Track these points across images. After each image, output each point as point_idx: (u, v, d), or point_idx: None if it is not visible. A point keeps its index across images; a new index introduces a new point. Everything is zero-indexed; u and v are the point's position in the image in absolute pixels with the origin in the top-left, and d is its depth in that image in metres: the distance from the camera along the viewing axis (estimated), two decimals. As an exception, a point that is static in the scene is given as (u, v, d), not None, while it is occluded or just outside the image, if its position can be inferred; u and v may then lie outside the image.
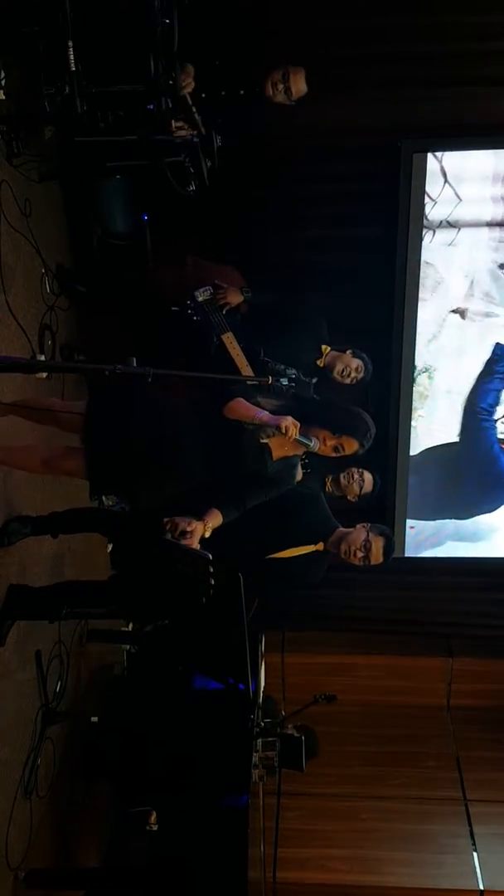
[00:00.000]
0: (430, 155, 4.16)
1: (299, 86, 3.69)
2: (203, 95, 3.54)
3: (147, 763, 3.75)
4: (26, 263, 3.61)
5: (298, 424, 2.84)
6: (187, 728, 3.71)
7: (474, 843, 4.71)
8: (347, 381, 3.97)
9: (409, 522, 5.06)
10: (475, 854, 4.65)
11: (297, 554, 3.33)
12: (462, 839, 4.74)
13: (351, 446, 3.02)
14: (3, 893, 3.22)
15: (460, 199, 4.21)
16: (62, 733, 3.88)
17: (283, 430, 2.80)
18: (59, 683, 3.86)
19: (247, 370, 3.78)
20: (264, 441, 2.93)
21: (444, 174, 4.17)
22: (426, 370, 4.67)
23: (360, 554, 3.30)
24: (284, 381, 2.96)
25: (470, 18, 3.89)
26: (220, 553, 2.84)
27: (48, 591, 3.45)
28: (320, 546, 3.37)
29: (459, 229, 4.28)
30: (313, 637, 5.42)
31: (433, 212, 4.24)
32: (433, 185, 4.18)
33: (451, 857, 4.63)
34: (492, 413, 4.72)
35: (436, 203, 4.21)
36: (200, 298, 3.81)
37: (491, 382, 4.65)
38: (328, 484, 3.88)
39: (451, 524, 5.07)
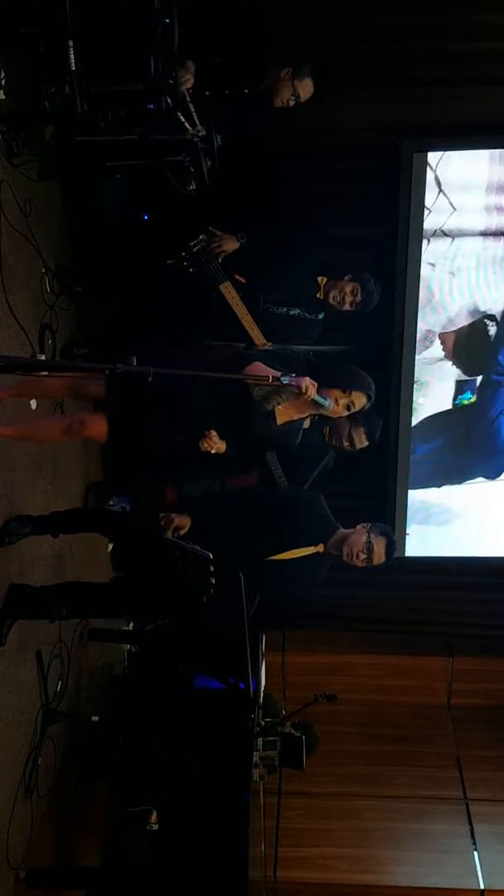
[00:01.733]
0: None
1: (307, 91, 3.72)
2: (206, 93, 3.55)
3: (148, 762, 3.76)
4: (26, 263, 3.61)
5: (316, 385, 2.98)
6: (188, 727, 3.71)
7: (475, 843, 4.70)
8: (346, 306, 3.91)
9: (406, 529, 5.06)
10: (475, 853, 4.65)
11: (297, 556, 3.33)
12: (462, 838, 4.73)
13: (360, 401, 3.16)
14: (3, 892, 3.22)
15: (454, 209, 4.22)
16: (63, 733, 3.88)
17: (304, 390, 2.94)
18: (60, 683, 3.86)
19: (248, 320, 3.77)
20: (270, 409, 3.08)
21: (439, 183, 4.18)
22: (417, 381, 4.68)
23: (362, 556, 3.31)
24: (285, 380, 2.98)
25: (471, 18, 3.89)
26: (221, 555, 2.85)
27: (49, 590, 3.46)
28: (320, 548, 3.37)
29: (453, 239, 4.29)
30: (314, 636, 5.42)
31: (427, 220, 4.25)
32: (427, 193, 4.19)
33: (451, 856, 4.63)
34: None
35: (430, 212, 4.22)
36: (195, 248, 3.77)
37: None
38: (326, 434, 3.85)
39: (419, 504, 5.04)
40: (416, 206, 4.22)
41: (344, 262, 4.11)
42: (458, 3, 3.86)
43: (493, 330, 4.52)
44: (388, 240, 4.32)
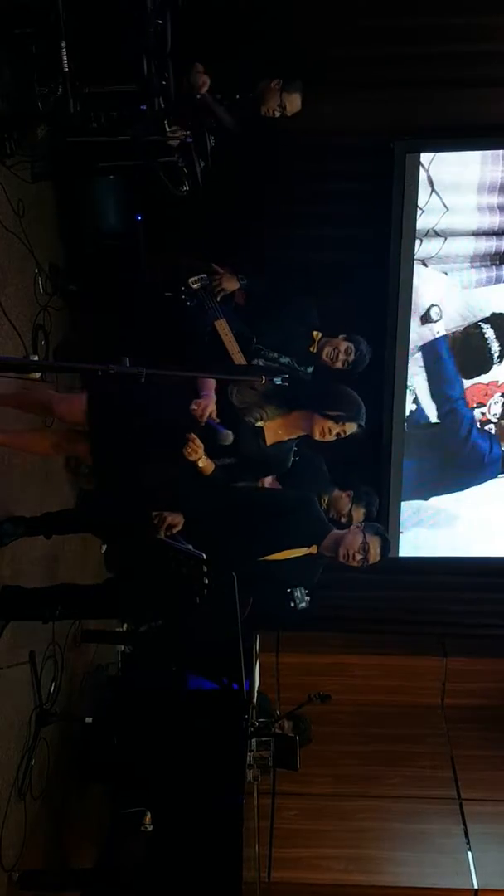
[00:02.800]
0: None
1: (294, 107, 3.75)
2: (199, 97, 3.55)
3: (141, 764, 3.75)
4: (19, 264, 3.61)
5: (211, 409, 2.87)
6: (182, 728, 3.71)
7: (469, 842, 4.71)
8: (337, 364, 3.94)
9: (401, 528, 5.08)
10: (470, 853, 4.65)
11: (290, 557, 3.33)
12: (457, 838, 4.74)
13: (351, 429, 3.12)
14: (-3, 895, 3.22)
15: (447, 209, 4.23)
16: (56, 734, 3.87)
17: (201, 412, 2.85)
18: (54, 684, 3.85)
19: (238, 357, 3.79)
20: (259, 426, 3.02)
21: (431, 183, 4.19)
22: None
23: (358, 557, 3.30)
24: (278, 381, 2.97)
25: (464, 20, 3.90)
26: (213, 555, 2.85)
27: (42, 591, 3.45)
28: (314, 549, 3.37)
29: (446, 239, 4.30)
30: (308, 637, 5.42)
31: (420, 220, 4.27)
32: (420, 193, 4.20)
33: (445, 856, 4.64)
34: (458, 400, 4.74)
35: (423, 212, 4.23)
36: (195, 286, 3.80)
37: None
38: (324, 505, 3.90)
39: (413, 509, 5.07)
40: (408, 207, 4.23)
41: (336, 263, 4.11)
42: (451, 5, 3.87)
43: (489, 333, 4.54)
44: (380, 241, 4.32)
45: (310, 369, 4.02)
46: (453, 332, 4.58)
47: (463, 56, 3.99)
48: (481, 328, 4.53)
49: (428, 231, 4.30)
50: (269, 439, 3.09)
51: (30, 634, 3.56)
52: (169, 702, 3.94)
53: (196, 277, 3.80)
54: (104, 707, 4.21)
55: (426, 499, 5.05)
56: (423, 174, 4.18)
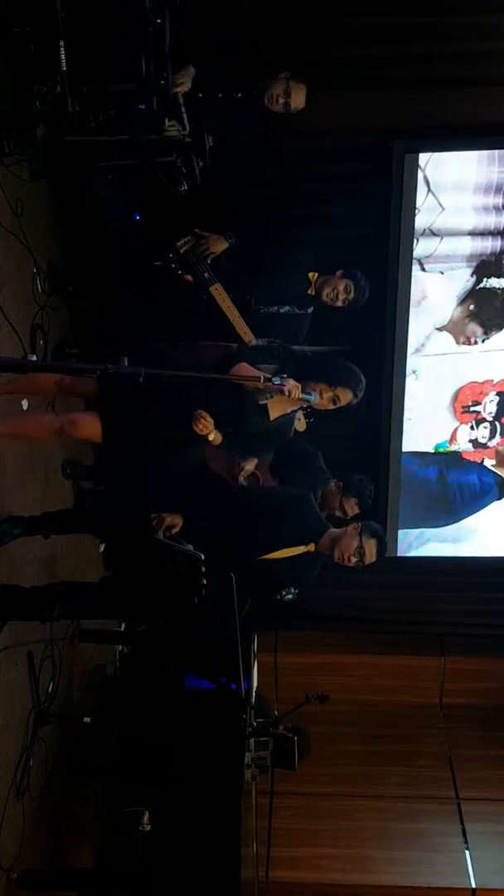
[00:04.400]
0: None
1: (298, 101, 3.72)
2: (200, 95, 3.54)
3: (140, 763, 3.75)
4: (18, 263, 3.61)
5: (300, 386, 3.08)
6: (180, 728, 3.71)
7: (466, 842, 4.71)
8: (338, 303, 3.93)
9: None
10: (467, 852, 4.66)
11: (287, 555, 3.33)
12: (454, 837, 4.74)
13: (346, 396, 3.26)
14: (-5, 894, 3.22)
15: (443, 208, 4.24)
16: (55, 734, 3.87)
17: (287, 394, 3.04)
18: (52, 684, 3.85)
19: (239, 321, 3.79)
20: (263, 403, 3.15)
21: (427, 183, 4.20)
22: (413, 372, 4.69)
23: (354, 559, 3.31)
24: (277, 381, 3.00)
25: (461, 20, 3.90)
26: (212, 554, 2.85)
27: (40, 591, 3.44)
28: (311, 547, 3.37)
29: (442, 238, 4.31)
30: (306, 637, 5.42)
31: (416, 220, 4.28)
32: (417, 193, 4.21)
33: (443, 855, 4.64)
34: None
35: (419, 211, 4.24)
36: (183, 249, 3.76)
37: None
38: (318, 499, 3.87)
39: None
40: (407, 207, 4.23)
41: (334, 262, 4.11)
42: (450, 5, 3.87)
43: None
44: (379, 240, 4.32)
45: (309, 310, 4.00)
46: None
47: (462, 55, 3.99)
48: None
49: (424, 230, 4.29)
50: (273, 414, 3.21)
51: (28, 634, 3.56)
52: (167, 701, 3.94)
53: (183, 240, 3.76)
54: (102, 707, 4.21)
55: (423, 527, 5.09)
56: (419, 174, 4.18)
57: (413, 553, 5.15)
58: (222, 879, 3.42)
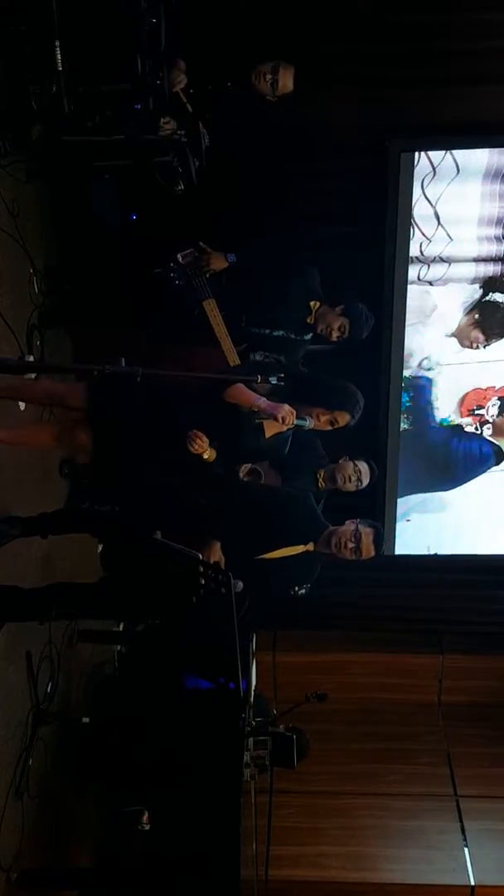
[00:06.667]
0: (424, 199, 4.25)
1: (286, 82, 3.67)
2: (191, 91, 3.54)
3: (139, 763, 3.75)
4: (14, 263, 3.60)
5: (294, 412, 3.02)
6: (179, 728, 3.71)
7: (465, 839, 4.73)
8: (333, 338, 3.89)
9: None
10: (466, 850, 4.67)
11: (286, 555, 3.33)
12: (453, 835, 4.76)
13: (343, 419, 3.26)
14: (-5, 895, 3.23)
15: (451, 240, 4.36)
16: (53, 734, 3.88)
17: (281, 421, 2.98)
18: (50, 684, 3.85)
19: (226, 340, 3.76)
20: (258, 422, 3.11)
21: (437, 217, 4.31)
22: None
23: (350, 545, 3.29)
24: (273, 380, 2.98)
25: (460, 17, 3.89)
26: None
27: (38, 592, 3.44)
28: (310, 547, 3.37)
29: (450, 264, 4.44)
30: (305, 636, 5.43)
31: (428, 249, 4.41)
32: (427, 226, 4.33)
33: (442, 852, 4.65)
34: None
35: (431, 242, 4.37)
36: (183, 261, 3.75)
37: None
38: (320, 480, 3.84)
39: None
40: (403, 205, 4.24)
41: (332, 262, 4.11)
42: (448, 2, 3.86)
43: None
44: (377, 239, 4.33)
45: (307, 337, 3.97)
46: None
47: (459, 53, 3.98)
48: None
49: (434, 258, 4.41)
50: (269, 432, 3.16)
51: (26, 635, 3.56)
52: (165, 701, 3.94)
53: (186, 252, 3.75)
54: (101, 707, 4.21)
55: (424, 492, 5.12)
56: (429, 209, 4.28)
57: (406, 551, 5.17)
58: (222, 878, 3.43)
